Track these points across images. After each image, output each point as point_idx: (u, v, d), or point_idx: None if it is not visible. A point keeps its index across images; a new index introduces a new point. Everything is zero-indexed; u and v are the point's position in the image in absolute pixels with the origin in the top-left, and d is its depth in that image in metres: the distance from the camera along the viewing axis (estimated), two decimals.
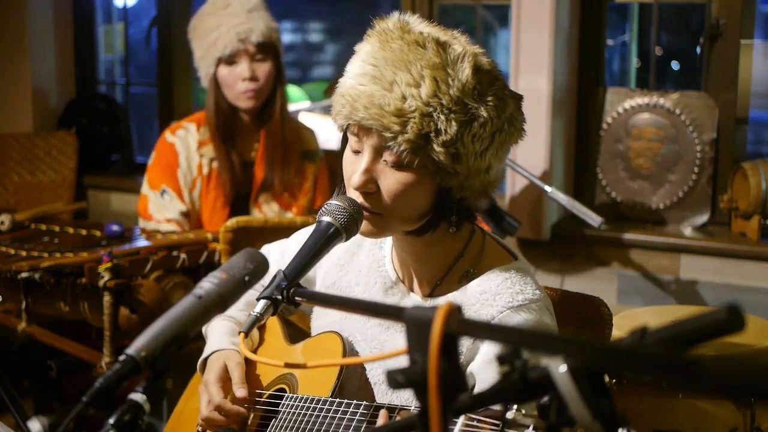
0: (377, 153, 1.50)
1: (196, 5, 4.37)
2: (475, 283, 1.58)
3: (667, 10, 4.04)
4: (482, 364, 1.50)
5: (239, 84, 3.02)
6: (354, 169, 1.52)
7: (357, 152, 1.53)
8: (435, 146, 1.45)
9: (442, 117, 1.45)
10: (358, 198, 1.52)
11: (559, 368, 0.83)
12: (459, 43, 1.50)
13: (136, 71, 4.97)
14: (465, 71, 1.46)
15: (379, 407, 1.49)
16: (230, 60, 3.02)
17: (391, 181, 1.50)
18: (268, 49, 3.06)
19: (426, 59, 1.46)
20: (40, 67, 4.44)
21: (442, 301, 1.60)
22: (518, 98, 1.55)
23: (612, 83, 3.78)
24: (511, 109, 1.52)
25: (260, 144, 3.12)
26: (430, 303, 1.61)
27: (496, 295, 1.55)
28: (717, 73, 3.36)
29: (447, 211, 1.54)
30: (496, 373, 1.48)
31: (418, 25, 1.52)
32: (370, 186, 1.51)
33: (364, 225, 1.53)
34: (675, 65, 4.47)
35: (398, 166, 1.49)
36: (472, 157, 1.48)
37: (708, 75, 3.40)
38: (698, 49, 3.43)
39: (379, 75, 1.47)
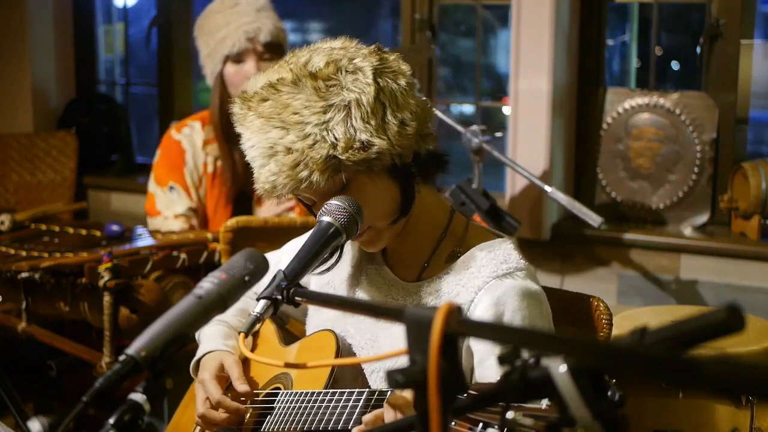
0: (319, 196, 1.55)
1: (196, 5, 4.37)
2: (460, 261, 1.61)
3: (667, 10, 4.04)
4: (489, 348, 1.52)
5: (245, 82, 3.02)
6: None
7: (316, 206, 1.58)
8: (342, 156, 1.49)
9: (324, 132, 1.49)
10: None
11: (559, 368, 0.83)
12: (288, 69, 1.54)
13: (136, 71, 4.97)
14: (306, 85, 1.50)
15: (372, 392, 1.50)
16: (238, 58, 3.01)
17: None
18: (275, 49, 3.06)
19: (276, 108, 1.52)
20: (40, 67, 4.44)
21: (431, 283, 1.62)
22: (371, 53, 1.55)
23: (612, 83, 3.78)
24: (370, 70, 1.52)
25: None
26: (419, 286, 1.63)
27: (481, 267, 1.58)
28: (717, 73, 3.36)
29: (409, 179, 1.58)
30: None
31: (257, 81, 1.58)
32: None
33: (365, 245, 1.62)
34: (675, 65, 4.47)
35: (339, 191, 1.53)
36: (378, 132, 1.50)
37: (708, 75, 3.40)
38: (698, 49, 3.43)
39: (260, 151, 1.54)
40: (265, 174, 1.55)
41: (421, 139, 1.57)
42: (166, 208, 3.06)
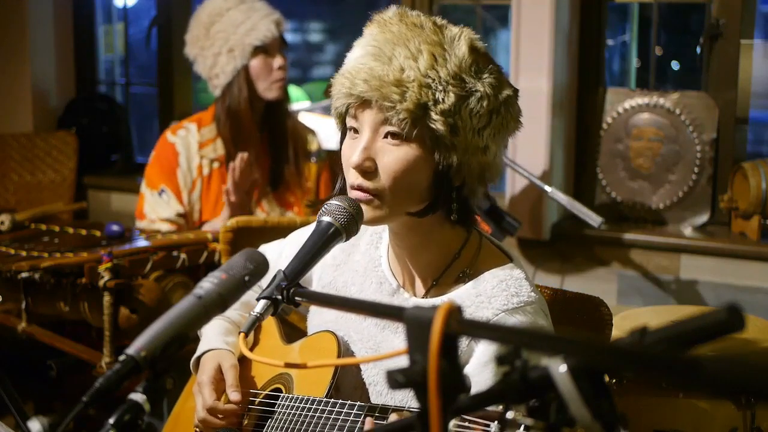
0: (376, 130, 1.50)
1: (196, 5, 4.37)
2: (470, 285, 1.57)
3: (667, 10, 4.04)
4: (478, 367, 1.50)
5: (274, 73, 3.02)
6: (353, 150, 1.51)
7: (356, 134, 1.52)
8: (433, 115, 1.46)
9: (440, 88, 1.47)
10: (357, 179, 1.51)
11: (559, 368, 0.83)
12: (455, 27, 1.54)
13: (136, 71, 4.97)
14: (461, 48, 1.50)
15: (373, 408, 1.49)
16: (266, 49, 3.02)
17: (390, 158, 1.49)
18: (285, 40, 3.12)
19: (423, 37, 1.49)
20: (40, 67, 4.44)
21: (437, 301, 1.58)
22: (514, 88, 1.57)
23: (612, 83, 3.78)
24: (507, 93, 1.54)
25: (266, 138, 3.12)
26: (425, 303, 1.60)
27: (491, 297, 1.54)
28: (717, 73, 3.36)
29: (446, 196, 1.53)
30: (492, 375, 1.48)
31: (416, 14, 1.56)
32: (368, 164, 1.50)
33: (365, 212, 1.51)
34: (675, 65, 4.47)
35: (398, 138, 1.48)
36: (470, 132, 1.49)
37: (708, 75, 3.40)
38: (698, 49, 3.43)
39: (378, 53, 1.50)
40: (357, 68, 1.49)
41: (479, 173, 1.54)
42: (152, 212, 3.05)
